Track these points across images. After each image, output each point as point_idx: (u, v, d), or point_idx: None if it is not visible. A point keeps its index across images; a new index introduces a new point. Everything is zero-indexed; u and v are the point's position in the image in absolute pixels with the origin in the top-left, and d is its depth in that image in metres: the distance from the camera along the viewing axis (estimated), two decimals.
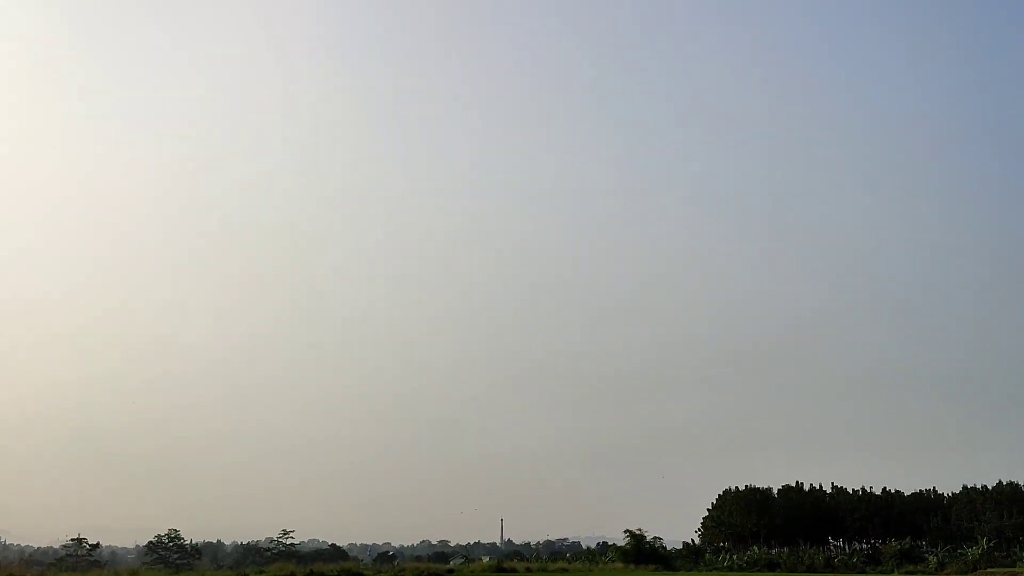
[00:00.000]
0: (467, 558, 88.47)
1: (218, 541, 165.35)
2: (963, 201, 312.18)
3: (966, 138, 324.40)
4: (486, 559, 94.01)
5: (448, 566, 73.24)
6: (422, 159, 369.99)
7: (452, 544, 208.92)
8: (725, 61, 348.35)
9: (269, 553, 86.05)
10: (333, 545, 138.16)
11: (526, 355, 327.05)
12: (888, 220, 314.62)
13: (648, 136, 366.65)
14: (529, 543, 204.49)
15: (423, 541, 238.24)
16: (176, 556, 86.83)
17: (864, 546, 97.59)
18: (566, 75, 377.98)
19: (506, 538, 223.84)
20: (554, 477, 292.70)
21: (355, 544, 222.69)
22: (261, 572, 55.66)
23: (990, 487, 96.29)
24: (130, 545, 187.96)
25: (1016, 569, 61.55)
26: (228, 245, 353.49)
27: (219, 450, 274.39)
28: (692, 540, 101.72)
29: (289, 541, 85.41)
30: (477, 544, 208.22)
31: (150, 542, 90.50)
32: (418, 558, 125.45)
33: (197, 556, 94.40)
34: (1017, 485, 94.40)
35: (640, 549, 76.54)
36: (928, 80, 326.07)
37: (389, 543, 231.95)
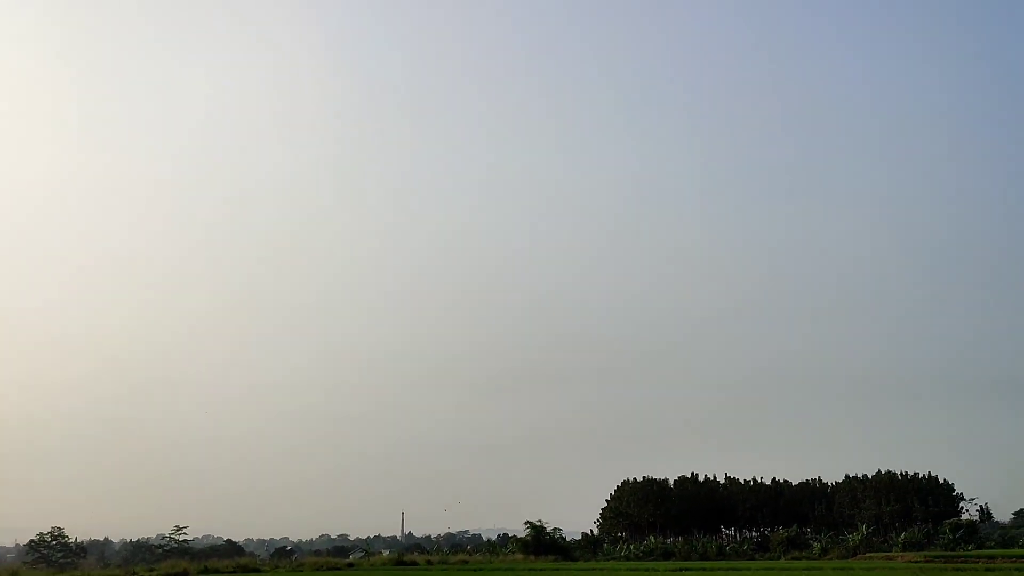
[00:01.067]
0: (367, 552, 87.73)
1: (105, 539, 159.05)
2: (859, 207, 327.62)
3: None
4: (387, 552, 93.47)
5: (348, 560, 72.57)
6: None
7: (352, 538, 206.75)
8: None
9: (160, 550, 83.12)
10: (229, 541, 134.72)
11: (427, 350, 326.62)
12: (791, 225, 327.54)
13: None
14: (430, 536, 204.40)
15: (322, 535, 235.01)
16: (60, 555, 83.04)
17: (754, 534, 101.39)
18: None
19: (407, 531, 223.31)
20: (456, 470, 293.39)
21: (252, 539, 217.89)
22: (151, 570, 53.77)
23: (870, 476, 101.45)
24: (10, 544, 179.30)
25: (892, 553, 64.96)
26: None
27: (106, 445, 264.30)
28: (591, 531, 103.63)
29: (182, 538, 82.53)
30: (377, 537, 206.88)
31: (32, 541, 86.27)
32: (317, 552, 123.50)
33: (82, 555, 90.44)
34: (894, 474, 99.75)
35: (540, 540, 77.38)
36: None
37: (287, 538, 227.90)
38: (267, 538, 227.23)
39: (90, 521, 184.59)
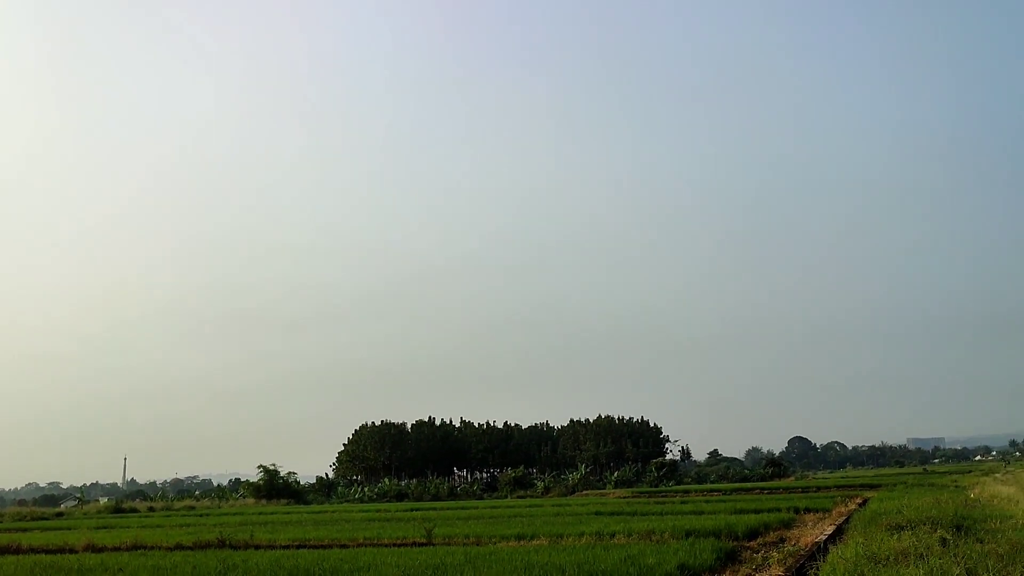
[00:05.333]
0: (81, 500, 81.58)
1: None
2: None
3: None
4: (104, 500, 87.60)
5: (57, 509, 67.14)
6: None
7: (65, 486, 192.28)
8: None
9: None
10: None
11: (152, 288, 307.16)
12: (529, 182, 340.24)
13: None
14: (155, 482, 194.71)
15: (29, 484, 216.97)
16: None
17: (485, 475, 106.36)
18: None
19: (129, 477, 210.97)
20: (186, 414, 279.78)
21: None
22: None
23: (591, 420, 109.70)
24: None
25: (606, 490, 70.95)
26: None
27: None
28: (326, 474, 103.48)
29: None
30: (95, 485, 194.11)
31: None
32: (21, 502, 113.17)
33: None
34: (612, 418, 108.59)
35: (273, 484, 76.15)
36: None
37: None
38: None
39: None
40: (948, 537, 15.02)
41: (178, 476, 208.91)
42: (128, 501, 74.99)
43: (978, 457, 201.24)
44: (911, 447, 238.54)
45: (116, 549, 23.93)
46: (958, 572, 11.01)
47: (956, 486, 43.38)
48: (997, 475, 59.13)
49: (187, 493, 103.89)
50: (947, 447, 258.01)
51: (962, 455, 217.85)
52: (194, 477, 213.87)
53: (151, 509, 61.01)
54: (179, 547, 23.75)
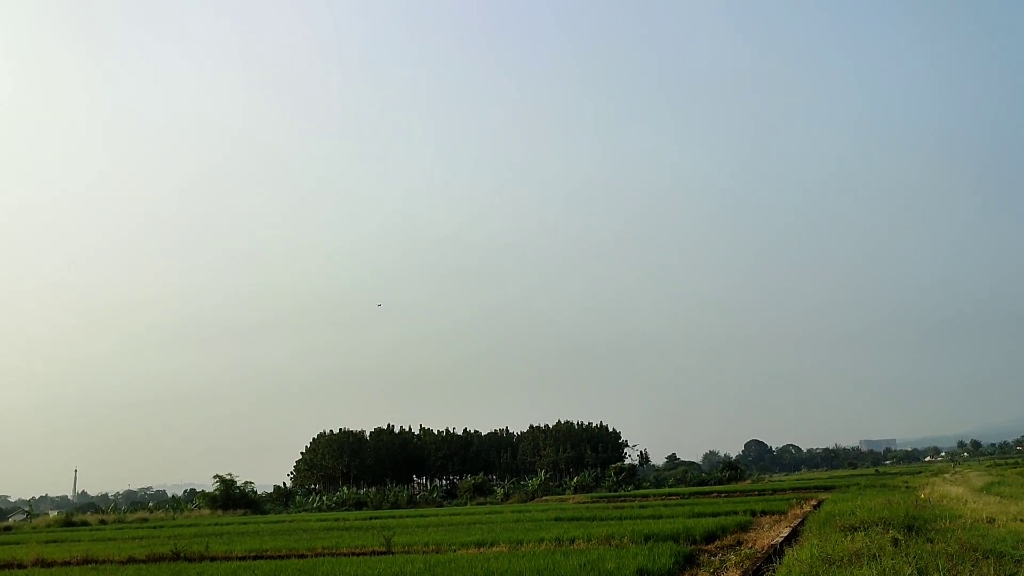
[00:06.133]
0: (30, 513, 79.61)
1: None
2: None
3: None
4: (54, 513, 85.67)
5: (5, 523, 65.46)
6: None
7: (13, 499, 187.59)
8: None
9: None
10: None
11: (106, 293, 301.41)
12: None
13: None
14: (107, 494, 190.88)
15: None
16: None
17: (444, 482, 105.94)
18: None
19: (80, 489, 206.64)
20: (137, 424, 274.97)
21: None
22: None
23: (551, 426, 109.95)
24: None
25: (565, 496, 71.07)
26: None
27: None
28: (284, 483, 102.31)
29: None
30: (44, 498, 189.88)
31: None
32: None
33: None
34: (571, 423, 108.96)
35: (229, 494, 75.09)
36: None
37: None
38: None
39: None
40: (900, 537, 15.33)
41: (131, 487, 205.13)
42: (79, 514, 73.36)
43: (928, 458, 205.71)
44: (864, 449, 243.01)
45: (66, 564, 23.39)
46: (909, 572, 11.23)
47: (907, 487, 44.28)
48: (946, 475, 60.53)
49: (140, 505, 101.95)
50: (898, 448, 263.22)
51: (913, 456, 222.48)
52: (148, 488, 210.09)
53: (103, 522, 59.76)
54: (132, 560, 23.30)
